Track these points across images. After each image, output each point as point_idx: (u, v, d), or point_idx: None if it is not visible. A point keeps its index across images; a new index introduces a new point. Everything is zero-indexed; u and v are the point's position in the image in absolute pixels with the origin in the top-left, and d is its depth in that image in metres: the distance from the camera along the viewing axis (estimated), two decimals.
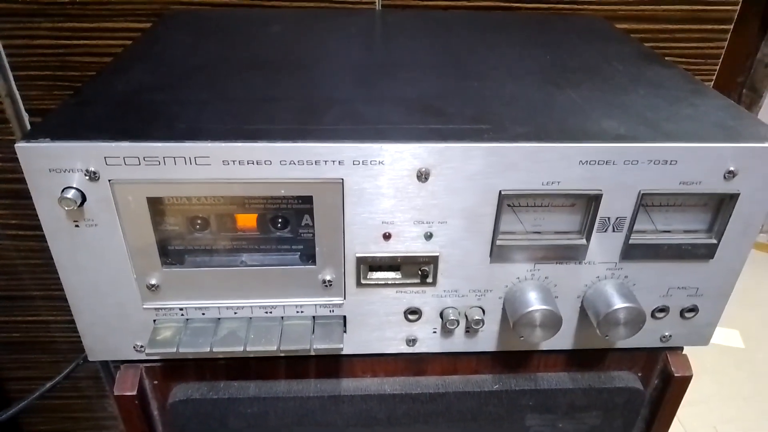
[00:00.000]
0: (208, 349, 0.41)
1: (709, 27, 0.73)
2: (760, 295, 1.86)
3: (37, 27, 0.69)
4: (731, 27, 0.72)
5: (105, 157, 0.36)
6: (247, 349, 0.41)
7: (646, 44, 0.69)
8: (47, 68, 0.71)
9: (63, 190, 0.36)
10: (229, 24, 0.62)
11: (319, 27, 0.63)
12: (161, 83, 0.45)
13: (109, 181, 0.37)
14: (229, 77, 0.47)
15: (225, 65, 0.50)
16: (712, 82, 0.76)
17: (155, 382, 0.47)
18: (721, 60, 0.75)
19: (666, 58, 0.57)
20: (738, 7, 0.71)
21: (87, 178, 0.36)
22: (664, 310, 0.45)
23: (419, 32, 0.63)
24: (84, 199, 0.37)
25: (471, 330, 0.45)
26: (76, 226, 0.38)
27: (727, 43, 0.74)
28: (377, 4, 0.71)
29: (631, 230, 0.41)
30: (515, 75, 0.50)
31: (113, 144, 0.36)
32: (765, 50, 1.81)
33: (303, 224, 0.41)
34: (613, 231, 0.41)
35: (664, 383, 0.50)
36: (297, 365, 0.47)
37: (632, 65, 0.53)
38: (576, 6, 0.72)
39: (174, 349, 0.41)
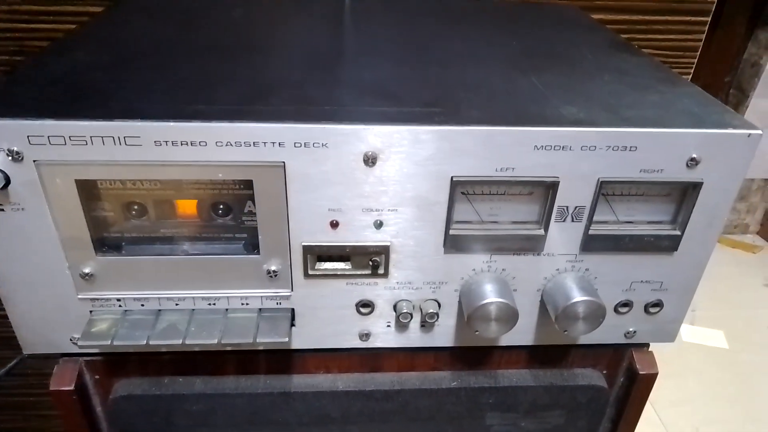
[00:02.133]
0: (144, 342, 0.39)
1: (687, 18, 0.71)
2: (744, 295, 1.86)
3: None
4: (709, 19, 0.71)
5: (28, 136, 0.34)
6: (186, 342, 0.39)
7: (623, 36, 0.68)
8: (4, 53, 0.69)
9: None
10: (191, 7, 0.60)
11: (284, 12, 0.61)
12: (102, 64, 0.43)
13: (34, 161, 0.35)
14: (178, 59, 0.45)
15: (177, 48, 0.48)
16: (690, 75, 0.75)
17: (96, 376, 0.45)
18: (699, 52, 0.74)
19: (638, 48, 0.55)
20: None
21: (10, 158, 0.34)
22: (627, 304, 0.44)
23: (387, 19, 0.61)
24: (8, 180, 0.35)
25: (426, 324, 0.43)
26: (2, 210, 0.36)
27: (704, 35, 0.72)
28: None
29: (590, 220, 0.39)
30: (479, 61, 0.48)
31: (36, 122, 0.33)
32: (752, 50, 1.81)
33: (246, 211, 0.39)
34: (573, 221, 0.40)
35: (630, 381, 0.48)
36: (246, 361, 0.45)
37: (602, 53, 0.52)
38: None
39: (109, 342, 0.39)
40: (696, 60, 0.74)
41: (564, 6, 0.69)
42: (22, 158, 0.34)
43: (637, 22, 0.71)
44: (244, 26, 0.55)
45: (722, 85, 1.86)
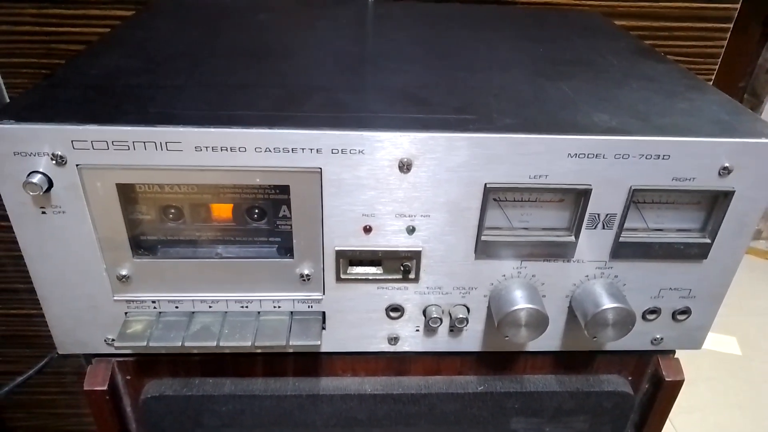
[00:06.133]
0: (179, 344, 0.39)
1: (709, 25, 0.71)
2: (757, 302, 1.85)
3: (21, 13, 0.67)
4: (731, 26, 0.71)
5: (72, 141, 0.34)
6: (221, 344, 0.40)
7: (645, 42, 0.68)
8: (32, 55, 0.70)
9: (28, 175, 0.35)
10: (216, 11, 0.61)
11: (308, 16, 0.61)
12: (138, 68, 0.43)
13: (77, 166, 0.35)
14: (209, 64, 0.46)
15: (207, 52, 0.48)
16: (711, 82, 0.75)
17: (128, 377, 0.45)
18: (720, 59, 0.74)
19: (663, 55, 0.55)
20: (738, 6, 0.70)
21: (54, 162, 0.35)
22: (655, 311, 0.44)
23: (411, 24, 0.61)
24: (51, 184, 0.36)
25: (455, 329, 0.44)
26: (43, 212, 0.37)
27: (726, 42, 0.72)
28: None
29: (621, 228, 0.40)
30: (506, 67, 0.49)
31: (80, 127, 0.34)
32: (766, 55, 1.80)
33: (280, 215, 0.39)
34: (603, 228, 0.40)
35: (655, 388, 0.48)
36: (275, 362, 0.46)
37: (627, 60, 0.52)
38: (573, 1, 0.71)
39: (144, 343, 0.39)
40: (717, 67, 0.74)
41: (587, 12, 0.70)
42: (66, 162, 0.35)
43: (659, 28, 0.72)
44: (271, 30, 0.56)
45: (736, 90, 1.85)
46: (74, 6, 0.67)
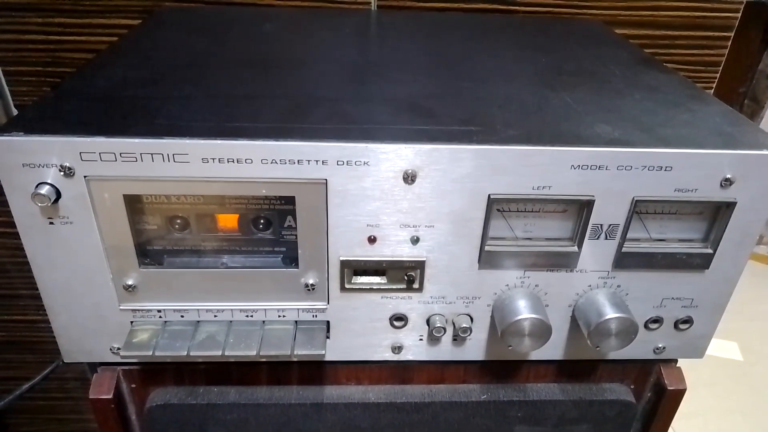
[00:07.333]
0: (185, 353, 0.40)
1: (710, 34, 0.72)
2: (759, 307, 1.85)
3: (27, 21, 0.68)
4: (732, 34, 0.71)
5: (80, 153, 0.35)
6: (226, 353, 0.40)
7: (646, 50, 0.68)
8: (37, 64, 0.70)
9: (37, 186, 0.35)
10: (221, 22, 0.61)
11: (312, 26, 0.62)
12: (144, 79, 0.44)
13: (85, 177, 0.36)
14: (215, 75, 0.46)
15: (212, 63, 0.49)
16: (713, 90, 0.75)
17: (133, 385, 0.45)
18: (721, 68, 0.74)
19: (665, 64, 0.56)
20: (739, 15, 0.70)
21: (62, 173, 0.35)
22: (657, 321, 0.44)
23: (414, 34, 0.62)
24: (59, 195, 0.36)
25: (458, 338, 0.44)
26: (51, 223, 0.37)
27: (727, 50, 0.73)
28: (373, 4, 0.70)
29: (624, 238, 0.40)
30: (509, 77, 0.49)
31: (88, 139, 0.34)
32: (767, 61, 1.80)
33: (286, 226, 0.39)
34: (606, 238, 0.40)
35: (657, 396, 0.48)
36: (279, 371, 0.46)
37: (629, 70, 0.52)
38: (575, 10, 0.71)
39: (150, 353, 0.40)
40: (718, 75, 0.74)
41: (589, 21, 0.70)
42: (74, 174, 0.35)
43: (660, 37, 0.72)
44: (276, 40, 0.56)
45: (737, 95, 1.85)
46: (79, 15, 0.68)
